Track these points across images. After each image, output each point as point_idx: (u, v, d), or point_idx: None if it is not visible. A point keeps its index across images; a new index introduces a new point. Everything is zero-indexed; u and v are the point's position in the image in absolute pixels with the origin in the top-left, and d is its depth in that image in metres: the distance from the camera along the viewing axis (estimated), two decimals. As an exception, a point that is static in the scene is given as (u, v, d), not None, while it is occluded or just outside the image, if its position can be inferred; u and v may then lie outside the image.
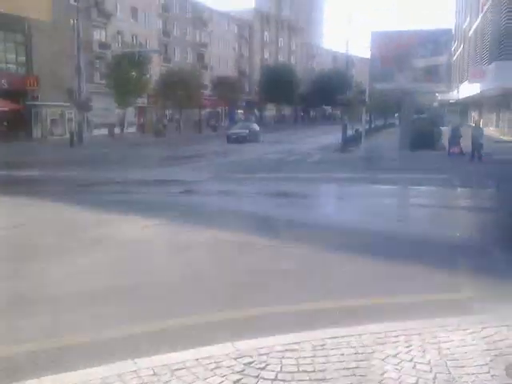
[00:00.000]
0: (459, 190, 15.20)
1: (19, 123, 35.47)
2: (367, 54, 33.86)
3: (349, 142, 30.15)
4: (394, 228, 9.47)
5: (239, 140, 34.15)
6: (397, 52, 27.74)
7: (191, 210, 11.10)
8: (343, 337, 4.28)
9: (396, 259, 7.04)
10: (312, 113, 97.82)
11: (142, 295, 5.69)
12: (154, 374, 3.63)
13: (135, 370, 3.70)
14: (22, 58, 36.61)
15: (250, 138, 35.41)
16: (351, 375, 3.63)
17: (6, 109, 33.13)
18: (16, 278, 6.25)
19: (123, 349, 4.28)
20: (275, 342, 4.22)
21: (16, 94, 34.21)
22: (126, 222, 9.67)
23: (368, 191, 14.66)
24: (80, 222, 9.77)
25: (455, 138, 23.69)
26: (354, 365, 3.79)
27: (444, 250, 7.70)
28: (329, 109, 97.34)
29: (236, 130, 37.32)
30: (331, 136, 39.69)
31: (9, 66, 36.01)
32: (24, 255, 7.31)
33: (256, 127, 39.42)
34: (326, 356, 3.93)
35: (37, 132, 37.75)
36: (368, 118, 42.18)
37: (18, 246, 7.88)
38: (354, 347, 4.07)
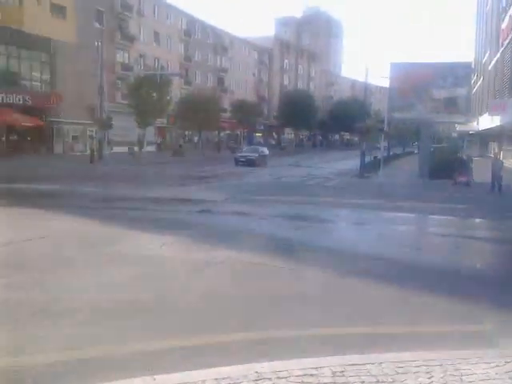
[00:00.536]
0: (478, 220, 15.03)
1: (42, 139, 36.15)
2: (386, 83, 34.08)
3: (367, 169, 30.14)
4: (411, 256, 9.38)
5: (247, 163, 33.30)
6: (416, 83, 27.95)
7: (209, 230, 11.12)
8: (363, 364, 4.22)
9: (416, 288, 6.96)
10: (330, 138, 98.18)
11: (158, 312, 5.69)
12: (173, 392, 3.63)
13: (154, 387, 3.69)
14: (47, 77, 37.45)
15: (259, 162, 34.37)
16: (372, 404, 3.58)
17: (29, 124, 33.84)
18: (36, 289, 6.30)
19: (141, 364, 4.27)
20: (294, 365, 4.17)
21: (39, 110, 34.92)
22: (144, 238, 9.71)
23: (385, 218, 14.59)
24: (99, 237, 9.83)
25: (465, 167, 23.82)
26: (374, 393, 3.73)
27: (465, 280, 7.60)
28: (347, 135, 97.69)
29: (245, 153, 36.20)
30: (349, 162, 39.71)
31: (33, 83, 36.83)
32: (44, 267, 7.36)
33: (265, 151, 38.31)
34: (345, 383, 3.87)
35: (58, 148, 38.38)
36: (386, 146, 42.15)
37: (38, 258, 7.95)
38: (375, 375, 4.01)
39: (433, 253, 10.05)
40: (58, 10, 40.52)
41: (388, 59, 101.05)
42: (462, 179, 23.48)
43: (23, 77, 35.58)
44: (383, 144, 33.00)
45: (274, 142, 75.81)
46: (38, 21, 36.98)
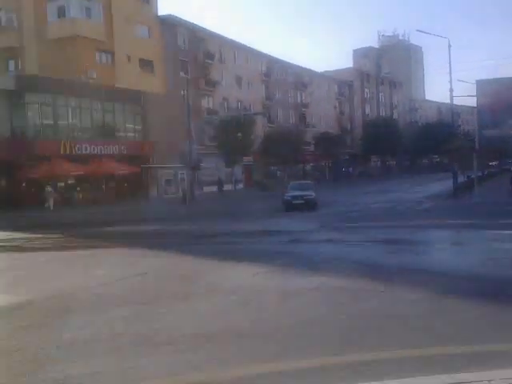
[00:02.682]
0: None
1: (137, 184, 38.37)
2: (473, 102, 32.75)
3: (461, 189, 28.79)
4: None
5: (305, 206, 23.88)
6: (505, 98, 26.68)
7: (301, 258, 11.12)
8: (471, 382, 4.01)
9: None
10: (418, 162, 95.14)
11: (256, 338, 5.74)
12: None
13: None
14: (139, 127, 40.04)
15: (308, 206, 24.28)
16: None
17: (126, 172, 36.16)
18: (141, 320, 6.63)
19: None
20: (397, 385, 4.05)
21: (134, 158, 37.27)
22: (237, 269, 9.94)
23: (484, 237, 13.84)
24: (195, 270, 10.19)
25: None
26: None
27: None
28: (436, 158, 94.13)
29: (296, 192, 25.23)
30: (440, 184, 38.14)
31: (128, 134, 39.50)
32: (147, 300, 7.74)
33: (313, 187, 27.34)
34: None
35: (153, 191, 40.51)
36: (479, 165, 40.08)
37: (142, 292, 8.37)
38: (486, 393, 3.79)
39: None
40: (147, 65, 43.67)
41: (473, 77, 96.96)
42: None
43: (118, 128, 38.26)
44: (476, 163, 31.43)
45: (358, 171, 74.79)
46: (128, 76, 40.07)
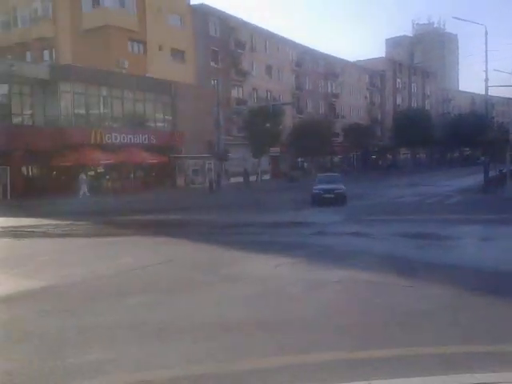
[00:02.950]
0: None
1: (165, 174, 38.67)
2: (508, 94, 31.70)
3: (492, 184, 28.00)
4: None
5: (335, 200, 22.50)
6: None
7: (324, 250, 11.01)
8: (494, 383, 3.86)
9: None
10: (449, 155, 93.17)
11: (274, 330, 5.68)
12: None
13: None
14: (169, 117, 40.24)
15: (338, 200, 22.75)
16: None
17: (154, 161, 36.48)
18: (163, 308, 6.64)
19: (257, 380, 4.29)
20: (418, 383, 3.93)
21: (163, 148, 37.51)
22: (260, 260, 9.90)
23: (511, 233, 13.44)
24: (219, 260, 10.20)
25: None
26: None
27: None
28: (467, 150, 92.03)
29: (326, 185, 23.72)
30: (471, 178, 37.28)
31: (157, 124, 39.75)
32: (170, 288, 7.78)
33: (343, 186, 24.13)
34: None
35: (180, 181, 40.72)
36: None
37: (164, 280, 8.42)
38: (510, 395, 3.64)
39: None
40: (178, 55, 43.83)
41: (510, 66, 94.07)
42: None
43: (148, 118, 38.57)
44: (509, 156, 30.50)
45: (386, 163, 73.75)
46: (160, 66, 40.30)
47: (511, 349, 4.91)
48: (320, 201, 22.51)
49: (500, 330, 5.54)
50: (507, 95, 46.28)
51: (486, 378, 3.97)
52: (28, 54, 42.01)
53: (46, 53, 41.55)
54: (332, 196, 22.63)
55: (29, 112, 32.81)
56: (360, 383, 4.01)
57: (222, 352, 5.03)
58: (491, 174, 29.55)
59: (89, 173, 32.75)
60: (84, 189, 30.46)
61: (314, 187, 23.51)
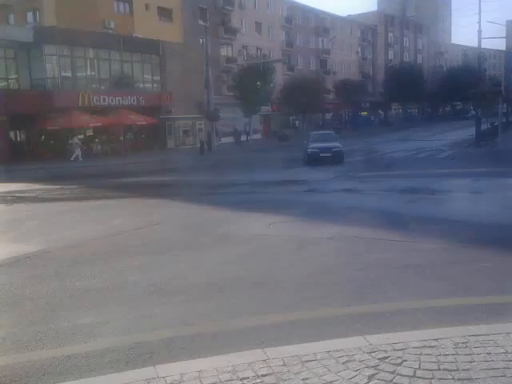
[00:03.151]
0: None
1: (155, 135, 38.23)
2: (501, 46, 31.27)
3: (483, 137, 27.98)
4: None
5: (333, 159, 21.56)
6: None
7: (317, 208, 10.99)
8: (488, 335, 3.87)
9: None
10: (441, 110, 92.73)
11: (269, 288, 5.68)
12: (284, 365, 3.55)
13: (265, 360, 3.66)
14: (157, 77, 39.46)
15: (336, 159, 21.82)
16: (501, 376, 3.24)
17: (144, 123, 35.99)
18: (156, 269, 6.60)
19: (252, 339, 4.28)
20: (411, 337, 3.93)
21: (152, 109, 36.94)
22: (253, 219, 9.85)
23: (502, 185, 13.52)
24: (210, 220, 10.14)
25: None
26: (502, 365, 3.38)
27: None
28: (459, 105, 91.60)
29: (321, 143, 22.66)
30: (462, 132, 37.26)
31: (146, 85, 39.00)
32: (161, 249, 7.73)
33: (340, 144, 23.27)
34: (469, 354, 3.56)
35: (171, 143, 40.36)
36: (505, 111, 38.81)
37: (155, 242, 8.35)
38: (503, 346, 3.64)
39: None
40: (165, 13, 42.58)
41: (503, 18, 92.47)
42: None
43: (136, 79, 37.78)
44: (501, 109, 30.36)
45: (378, 119, 73.29)
46: (147, 26, 39.18)
47: (503, 300, 4.92)
48: (316, 160, 21.46)
49: (491, 283, 5.55)
50: (499, 47, 45.57)
51: (478, 330, 3.97)
52: (11, 17, 40.71)
53: (30, 15, 40.22)
54: (329, 155, 21.53)
55: (14, 76, 32.03)
56: (355, 338, 3.99)
57: (215, 312, 5.01)
58: (483, 127, 29.48)
59: (78, 136, 32.27)
60: (78, 152, 30.15)
61: (309, 146, 22.35)
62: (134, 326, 4.73)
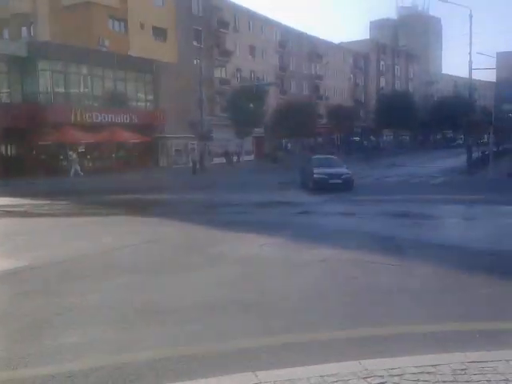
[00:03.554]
0: None
1: (148, 154, 38.19)
2: (492, 77, 31.94)
3: (475, 165, 28.28)
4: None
5: (343, 186, 19.89)
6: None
7: (309, 230, 10.91)
8: (487, 362, 3.77)
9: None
10: (432, 137, 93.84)
11: (260, 310, 5.55)
12: (277, 388, 3.45)
13: (256, 383, 3.54)
14: (150, 96, 39.61)
15: (346, 186, 20.05)
16: (502, 404, 3.15)
17: (136, 141, 35.95)
18: (145, 289, 6.45)
19: (243, 361, 4.15)
20: (408, 363, 3.83)
21: (145, 127, 36.95)
22: (245, 240, 9.74)
23: (497, 212, 13.56)
24: (202, 240, 10.02)
25: None
26: (503, 393, 3.30)
27: None
28: (450, 133, 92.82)
29: (328, 169, 20.80)
30: (454, 159, 37.59)
31: (139, 103, 39.11)
32: (152, 269, 7.58)
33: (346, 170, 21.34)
34: (468, 382, 3.48)
35: (163, 161, 40.32)
36: (495, 140, 39.35)
37: (146, 261, 8.21)
38: (502, 373, 3.55)
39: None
40: (160, 33, 42.97)
41: (493, 50, 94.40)
42: None
43: (130, 97, 37.88)
44: (492, 138, 30.79)
45: (370, 145, 73.87)
46: (141, 45, 39.48)
47: (503, 326, 4.85)
48: (325, 187, 19.62)
49: (490, 308, 5.48)
50: (489, 79, 46.45)
51: (477, 357, 3.88)
52: (5, 31, 40.84)
53: (24, 29, 40.44)
54: (339, 182, 19.97)
55: (6, 90, 31.98)
56: (350, 363, 3.88)
57: (207, 333, 4.88)
58: (475, 155, 29.84)
59: (69, 152, 32.10)
60: (76, 167, 30.05)
61: (315, 171, 20.39)
62: (121, 346, 4.59)
